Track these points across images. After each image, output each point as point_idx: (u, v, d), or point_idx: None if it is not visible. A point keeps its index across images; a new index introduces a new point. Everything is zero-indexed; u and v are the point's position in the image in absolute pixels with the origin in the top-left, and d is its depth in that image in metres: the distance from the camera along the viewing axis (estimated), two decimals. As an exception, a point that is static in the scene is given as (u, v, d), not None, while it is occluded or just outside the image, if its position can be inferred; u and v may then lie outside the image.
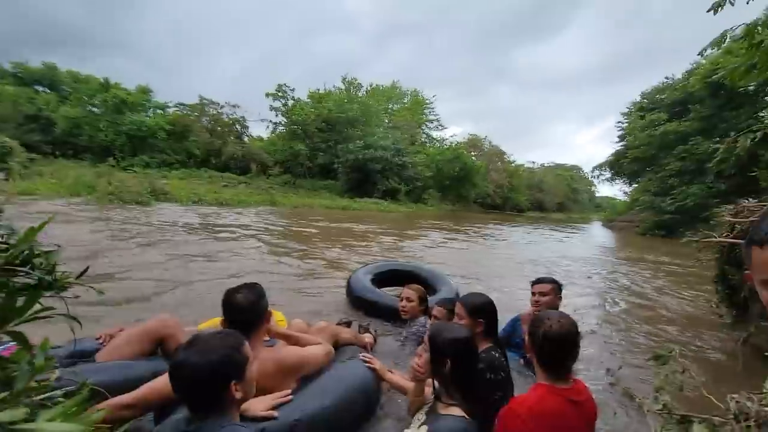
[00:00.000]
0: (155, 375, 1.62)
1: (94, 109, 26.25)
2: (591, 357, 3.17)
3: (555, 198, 56.01)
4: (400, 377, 2.06)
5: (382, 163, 25.82)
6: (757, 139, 3.17)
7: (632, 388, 2.55)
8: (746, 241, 0.74)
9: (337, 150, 27.44)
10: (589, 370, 2.92)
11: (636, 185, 29.64)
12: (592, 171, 40.19)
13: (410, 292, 2.94)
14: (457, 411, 1.44)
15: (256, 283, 1.80)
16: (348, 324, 3.05)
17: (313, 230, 10.33)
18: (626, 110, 31.30)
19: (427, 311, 2.92)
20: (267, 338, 2.00)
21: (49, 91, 28.44)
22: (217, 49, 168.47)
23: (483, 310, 2.01)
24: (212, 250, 6.13)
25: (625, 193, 34.91)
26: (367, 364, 2.04)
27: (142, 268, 4.65)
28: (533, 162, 62.15)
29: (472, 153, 40.31)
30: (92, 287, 1.70)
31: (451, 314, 2.34)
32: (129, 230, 7.12)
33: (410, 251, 8.33)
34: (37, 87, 28.39)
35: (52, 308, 0.97)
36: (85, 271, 1.27)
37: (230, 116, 30.32)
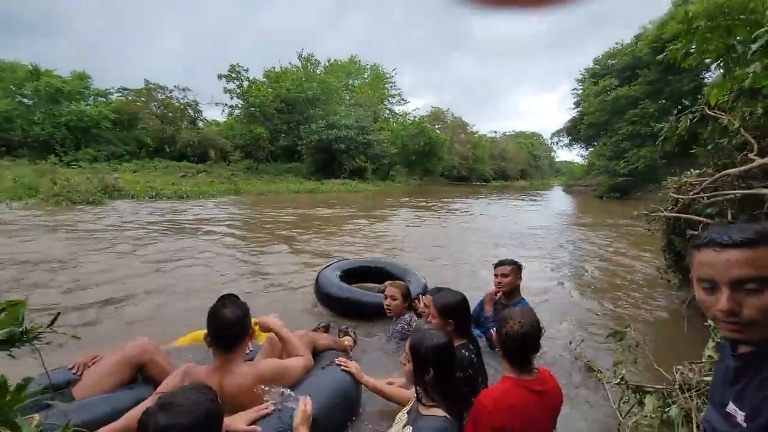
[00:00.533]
0: (137, 403, 1.62)
1: (25, 100, 23.95)
2: (556, 328, 3.38)
3: (518, 166, 57.84)
4: (375, 380, 2.12)
5: (346, 143, 25.44)
6: (696, 119, 3.39)
7: (592, 360, 2.76)
8: (691, 245, 0.84)
9: (299, 131, 26.69)
10: (555, 341, 3.11)
11: (592, 149, 31.00)
12: (551, 137, 41.48)
13: (393, 290, 2.92)
14: (438, 411, 1.50)
15: (236, 297, 1.79)
16: (326, 328, 3.07)
17: (281, 219, 10.14)
18: (580, 76, 32.22)
19: (411, 306, 2.95)
20: (248, 350, 2.00)
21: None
22: (157, 26, 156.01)
23: (453, 309, 2.06)
24: (176, 252, 5.90)
25: (583, 157, 36.44)
26: (343, 368, 2.08)
27: (106, 279, 4.42)
28: (495, 132, 63.56)
29: (436, 126, 40.49)
30: (65, 333, 1.63)
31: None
32: (84, 236, 6.69)
33: (381, 235, 8.39)
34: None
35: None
36: (56, 319, 1.21)
37: (181, 101, 28.61)
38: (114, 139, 25.05)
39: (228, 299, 1.74)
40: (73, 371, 1.96)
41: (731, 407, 0.79)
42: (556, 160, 79.04)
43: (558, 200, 23.89)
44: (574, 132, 32.96)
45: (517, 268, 2.84)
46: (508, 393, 1.52)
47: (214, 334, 1.69)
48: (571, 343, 3.04)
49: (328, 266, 3.89)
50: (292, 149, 28.23)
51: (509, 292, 2.85)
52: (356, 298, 3.36)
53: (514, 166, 56.61)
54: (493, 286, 2.93)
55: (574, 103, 32.79)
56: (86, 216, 8.99)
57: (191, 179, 20.15)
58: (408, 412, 1.72)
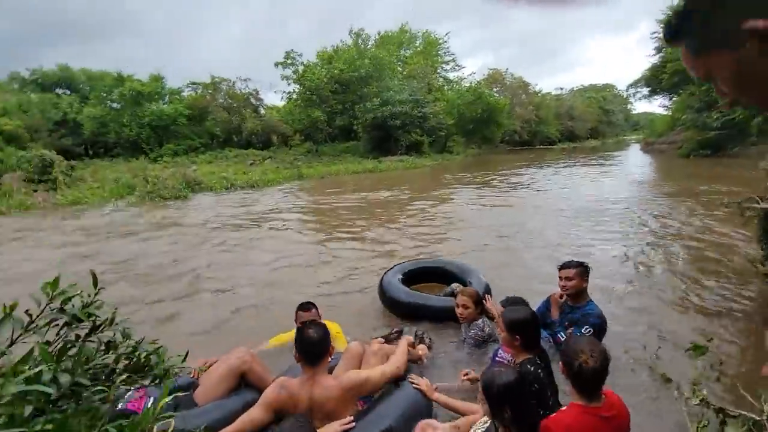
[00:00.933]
0: (246, 406, 2.01)
1: (114, 105, 26.86)
2: (632, 329, 3.24)
3: (587, 124, 52.96)
4: (445, 397, 2.26)
5: (401, 118, 25.16)
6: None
7: (669, 368, 2.60)
8: None
9: (354, 111, 26.91)
10: (630, 344, 2.98)
11: (677, 99, 27.27)
12: (627, 89, 37.21)
13: (465, 298, 2.95)
14: None
15: (319, 322, 2.15)
16: (399, 333, 3.25)
17: (343, 205, 10.54)
18: (663, 16, 28.04)
19: (483, 311, 2.99)
20: (330, 358, 2.27)
21: (69, 92, 29.16)
22: (215, 18, 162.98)
23: (520, 325, 2.11)
24: (251, 247, 6.50)
25: (666, 108, 32.23)
26: (414, 386, 2.24)
27: (198, 285, 5.06)
28: (561, 89, 58.29)
29: (494, 89, 38.32)
30: (193, 369, 2.03)
31: None
32: (185, 233, 7.62)
33: (442, 221, 8.40)
34: (57, 91, 29.14)
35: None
36: (187, 354, 1.55)
37: (243, 91, 30.14)
38: (189, 134, 27.39)
39: (313, 322, 2.07)
40: (192, 376, 2.38)
41: None
42: (634, 112, 70.94)
43: (636, 162, 21.69)
44: (654, 82, 29.14)
45: (582, 270, 2.75)
46: (578, 421, 1.57)
47: (301, 351, 1.99)
48: (646, 348, 2.90)
49: (389, 270, 4.02)
50: (349, 129, 28.68)
51: (575, 294, 2.78)
52: (422, 303, 3.47)
53: (582, 125, 51.90)
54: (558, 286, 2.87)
55: (655, 49, 28.73)
56: (177, 212, 10.14)
57: (259, 167, 21.50)
58: None
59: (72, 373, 1.20)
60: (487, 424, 1.89)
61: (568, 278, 2.76)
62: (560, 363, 1.74)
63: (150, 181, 13.49)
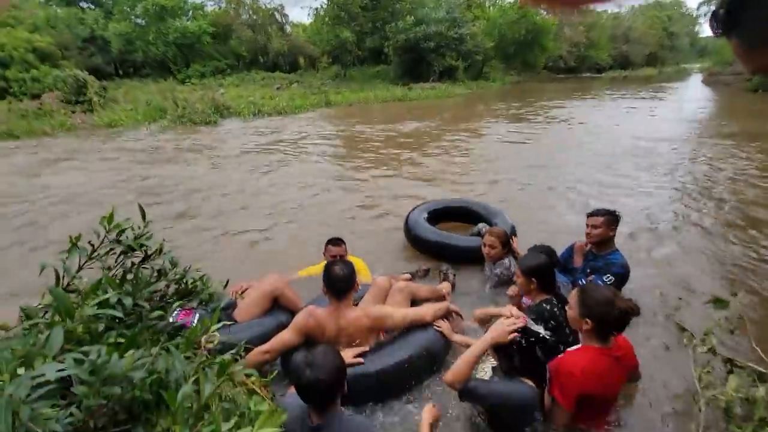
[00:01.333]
0: (279, 326, 2.26)
1: (139, 20, 26.07)
2: (656, 281, 3.22)
3: (644, 48, 47.14)
4: (464, 338, 2.37)
5: (436, 40, 23.22)
6: None
7: (687, 321, 2.62)
8: None
9: (385, 31, 25.00)
10: (650, 297, 2.98)
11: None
12: (698, 7, 32.35)
13: (492, 238, 2.97)
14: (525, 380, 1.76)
15: (346, 260, 2.28)
16: (426, 272, 3.37)
17: (371, 137, 10.36)
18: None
19: (510, 252, 3.04)
20: (358, 288, 2.42)
21: (93, 7, 28.34)
22: None
23: (535, 271, 2.20)
24: (284, 177, 6.65)
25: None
26: (436, 328, 2.33)
27: (231, 208, 5.31)
28: (620, 6, 51.15)
29: (542, 6, 34.16)
30: (231, 297, 2.25)
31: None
32: (215, 164, 7.84)
33: (473, 157, 8.17)
34: (81, 4, 28.35)
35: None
36: (228, 282, 1.74)
37: (267, 5, 28.38)
38: (215, 54, 26.66)
39: (341, 260, 2.20)
40: (232, 298, 2.63)
41: None
42: (702, 36, 62.35)
43: (694, 96, 19.62)
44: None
45: (610, 219, 2.67)
46: (594, 363, 1.67)
47: (329, 286, 2.15)
48: (668, 297, 2.90)
49: (415, 208, 4.02)
50: (379, 51, 26.95)
51: (600, 243, 2.74)
52: (447, 242, 3.50)
53: (639, 50, 46.19)
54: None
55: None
56: (208, 138, 10.31)
57: (286, 91, 21.03)
58: (494, 369, 2.01)
59: (133, 296, 1.36)
60: (494, 364, 2.03)
61: (594, 226, 2.70)
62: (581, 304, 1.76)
63: (180, 105, 13.57)
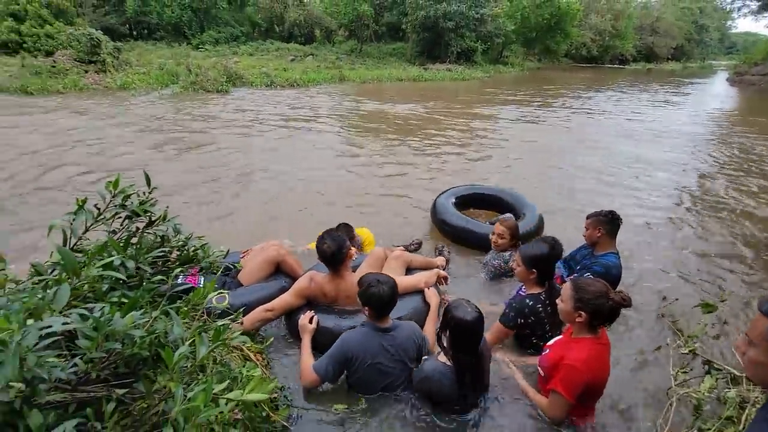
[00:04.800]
0: (281, 290, 2.41)
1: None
2: (656, 278, 3.24)
3: (671, 41, 45.39)
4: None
5: (456, 19, 22.55)
6: None
7: (680, 321, 2.66)
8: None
9: (405, 6, 24.30)
10: (644, 293, 3.02)
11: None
12: (732, 0, 30.92)
13: (503, 228, 2.95)
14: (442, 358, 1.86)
15: (338, 233, 2.35)
16: (419, 244, 3.45)
17: (383, 116, 10.26)
18: None
19: (517, 245, 2.97)
20: (355, 257, 2.51)
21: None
22: None
23: (537, 261, 2.21)
24: (295, 150, 6.66)
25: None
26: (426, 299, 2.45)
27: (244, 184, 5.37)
28: (651, -7, 48.93)
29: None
30: (233, 265, 2.33)
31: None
32: (224, 133, 7.85)
33: (487, 146, 8.09)
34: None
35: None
36: (227, 253, 1.81)
37: (286, -28, 27.56)
38: (230, 20, 26.20)
39: (327, 236, 2.27)
40: (241, 256, 2.77)
41: None
42: (733, 31, 59.84)
43: (717, 93, 19.03)
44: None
45: (595, 221, 2.69)
46: (592, 354, 1.74)
47: (321, 259, 2.30)
48: (665, 299, 2.94)
49: (444, 192, 4.06)
50: (397, 27, 26.30)
51: (592, 244, 2.77)
52: (470, 228, 3.50)
53: (665, 42, 44.49)
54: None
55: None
56: (219, 107, 10.28)
57: (299, 63, 20.73)
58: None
59: (136, 259, 1.42)
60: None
61: (585, 227, 2.77)
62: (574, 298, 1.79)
63: (193, 72, 13.48)
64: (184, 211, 4.08)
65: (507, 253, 2.99)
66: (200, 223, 3.97)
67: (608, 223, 2.68)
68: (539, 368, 1.93)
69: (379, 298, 1.85)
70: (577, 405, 1.77)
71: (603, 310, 1.71)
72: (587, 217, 2.77)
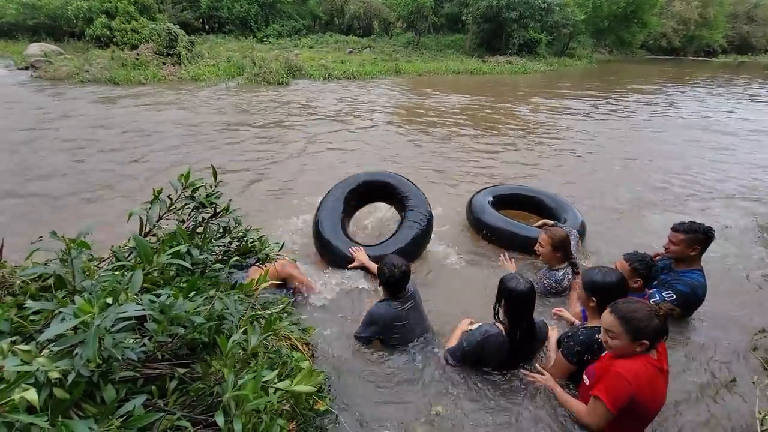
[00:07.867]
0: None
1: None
2: (746, 309, 2.87)
3: (772, 31, 39.89)
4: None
5: (521, 8, 21.50)
6: None
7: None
8: None
9: (466, -4, 23.60)
10: (735, 321, 2.70)
11: None
12: None
13: (544, 237, 2.77)
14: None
15: None
16: None
17: (437, 109, 10.09)
18: None
19: (567, 258, 2.79)
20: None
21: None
22: None
23: (597, 289, 2.01)
24: (348, 142, 6.78)
25: None
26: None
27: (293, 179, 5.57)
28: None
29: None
30: (287, 257, 2.40)
31: (634, 272, 2.33)
32: (288, 124, 8.18)
33: (543, 146, 7.67)
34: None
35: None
36: (283, 245, 1.87)
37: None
38: (293, 13, 27.12)
39: None
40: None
41: None
42: None
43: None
44: None
45: (692, 238, 2.40)
46: (643, 371, 1.65)
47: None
48: (762, 331, 2.56)
49: (482, 190, 3.93)
50: (456, 18, 25.66)
51: (677, 260, 2.51)
52: (505, 228, 3.40)
53: (763, 32, 39.31)
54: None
55: None
56: (280, 98, 10.70)
57: (357, 56, 20.97)
58: None
59: (200, 249, 1.52)
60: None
61: (673, 242, 2.47)
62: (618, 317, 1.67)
63: (257, 64, 14.14)
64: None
65: (560, 273, 2.78)
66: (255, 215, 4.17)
67: (705, 242, 2.42)
68: (585, 376, 1.85)
69: (402, 275, 2.25)
70: (619, 425, 1.68)
71: (649, 329, 1.64)
72: (675, 230, 2.49)
